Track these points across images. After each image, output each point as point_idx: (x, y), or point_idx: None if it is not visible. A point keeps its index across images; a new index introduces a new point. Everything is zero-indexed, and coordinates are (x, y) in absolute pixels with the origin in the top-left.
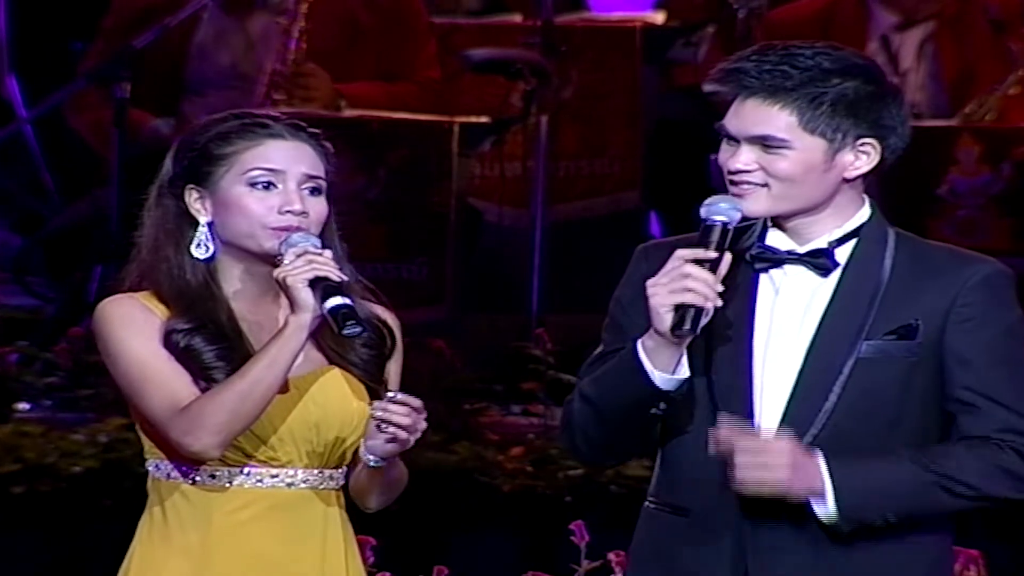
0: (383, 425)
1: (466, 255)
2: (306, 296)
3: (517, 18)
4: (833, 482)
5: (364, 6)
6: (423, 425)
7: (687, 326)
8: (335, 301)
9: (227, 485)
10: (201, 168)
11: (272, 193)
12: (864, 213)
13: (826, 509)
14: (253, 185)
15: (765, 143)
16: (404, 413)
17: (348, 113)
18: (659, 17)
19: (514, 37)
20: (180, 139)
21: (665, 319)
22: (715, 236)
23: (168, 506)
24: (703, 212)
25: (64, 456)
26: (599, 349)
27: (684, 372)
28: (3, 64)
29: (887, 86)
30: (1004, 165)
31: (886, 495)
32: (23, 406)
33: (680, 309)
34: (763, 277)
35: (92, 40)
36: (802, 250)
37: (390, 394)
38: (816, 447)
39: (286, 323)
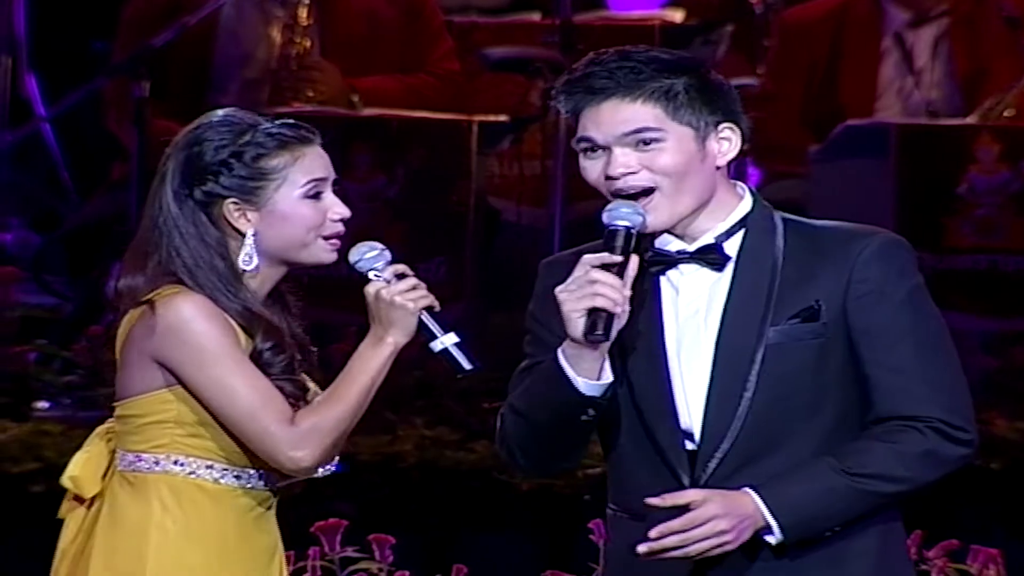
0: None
1: (485, 254)
2: (413, 323)
3: (536, 17)
4: (775, 517)
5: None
6: None
7: (599, 331)
8: (454, 338)
9: (247, 487)
10: (248, 184)
11: (322, 201)
12: (747, 203)
13: (774, 538)
14: (306, 197)
15: (640, 139)
16: None
17: (367, 112)
18: (678, 15)
19: (533, 36)
20: (193, 149)
21: (578, 324)
22: (619, 241)
23: (186, 502)
24: (605, 218)
25: None
26: (524, 363)
27: (607, 377)
28: (22, 63)
29: (718, 76)
30: (1023, 164)
31: (825, 515)
32: (42, 405)
33: (592, 314)
34: (662, 280)
35: (113, 39)
36: (692, 248)
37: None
38: (738, 442)
39: (384, 345)
